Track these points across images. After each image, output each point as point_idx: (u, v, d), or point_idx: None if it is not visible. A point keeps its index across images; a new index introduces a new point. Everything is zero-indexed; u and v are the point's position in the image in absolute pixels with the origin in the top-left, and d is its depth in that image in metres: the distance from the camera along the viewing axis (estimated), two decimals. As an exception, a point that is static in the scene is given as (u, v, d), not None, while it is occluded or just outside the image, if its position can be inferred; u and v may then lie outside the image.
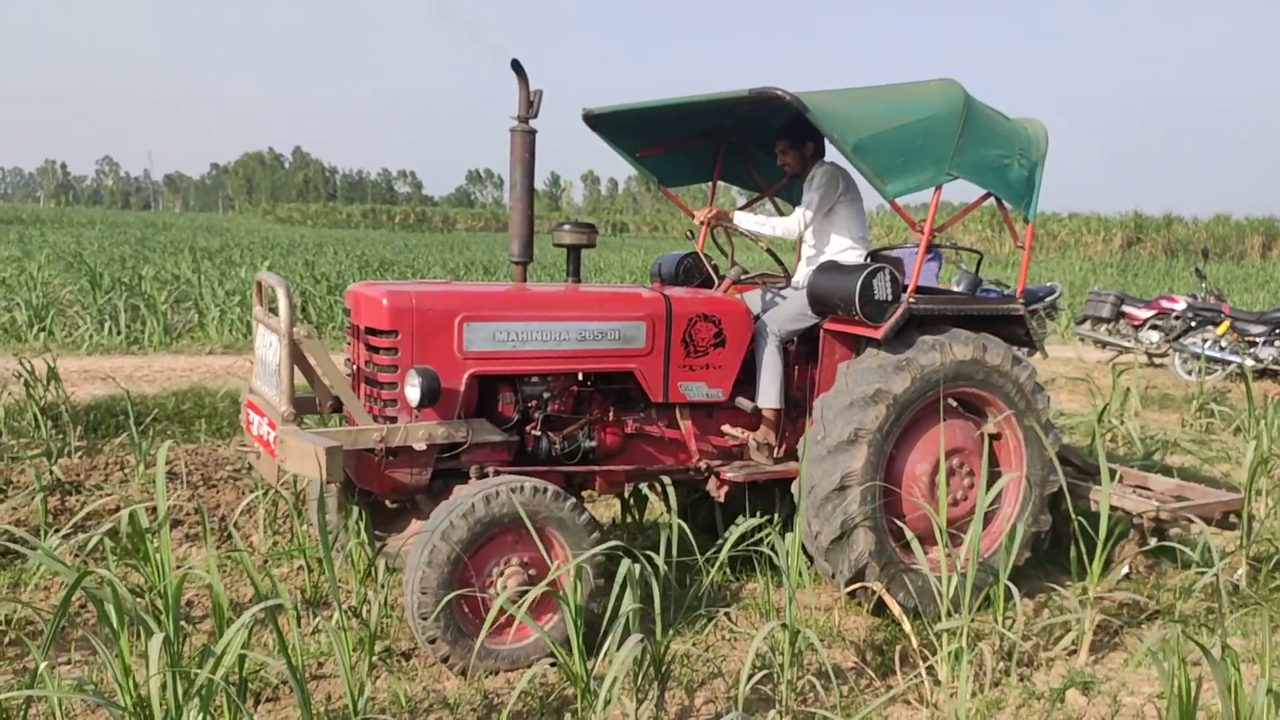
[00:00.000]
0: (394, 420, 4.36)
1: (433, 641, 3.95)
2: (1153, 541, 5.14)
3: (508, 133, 4.93)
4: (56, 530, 5.24)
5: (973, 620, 4.52)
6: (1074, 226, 48.93)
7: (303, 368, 4.45)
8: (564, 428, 4.79)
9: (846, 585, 4.70)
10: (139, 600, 4.08)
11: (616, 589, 3.84)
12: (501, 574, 4.11)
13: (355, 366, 4.62)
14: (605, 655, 3.74)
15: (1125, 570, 5.35)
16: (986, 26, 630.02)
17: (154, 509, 5.53)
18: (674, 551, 4.25)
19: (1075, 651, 4.59)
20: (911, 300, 4.81)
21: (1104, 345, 14.19)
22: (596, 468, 4.84)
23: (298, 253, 27.81)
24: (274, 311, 4.31)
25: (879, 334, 4.75)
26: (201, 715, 2.96)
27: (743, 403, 5.10)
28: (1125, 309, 14.06)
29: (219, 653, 3.03)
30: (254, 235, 41.55)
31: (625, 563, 3.85)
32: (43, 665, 3.01)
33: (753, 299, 5.37)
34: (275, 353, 4.28)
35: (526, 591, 3.95)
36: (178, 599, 3.16)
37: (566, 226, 5.20)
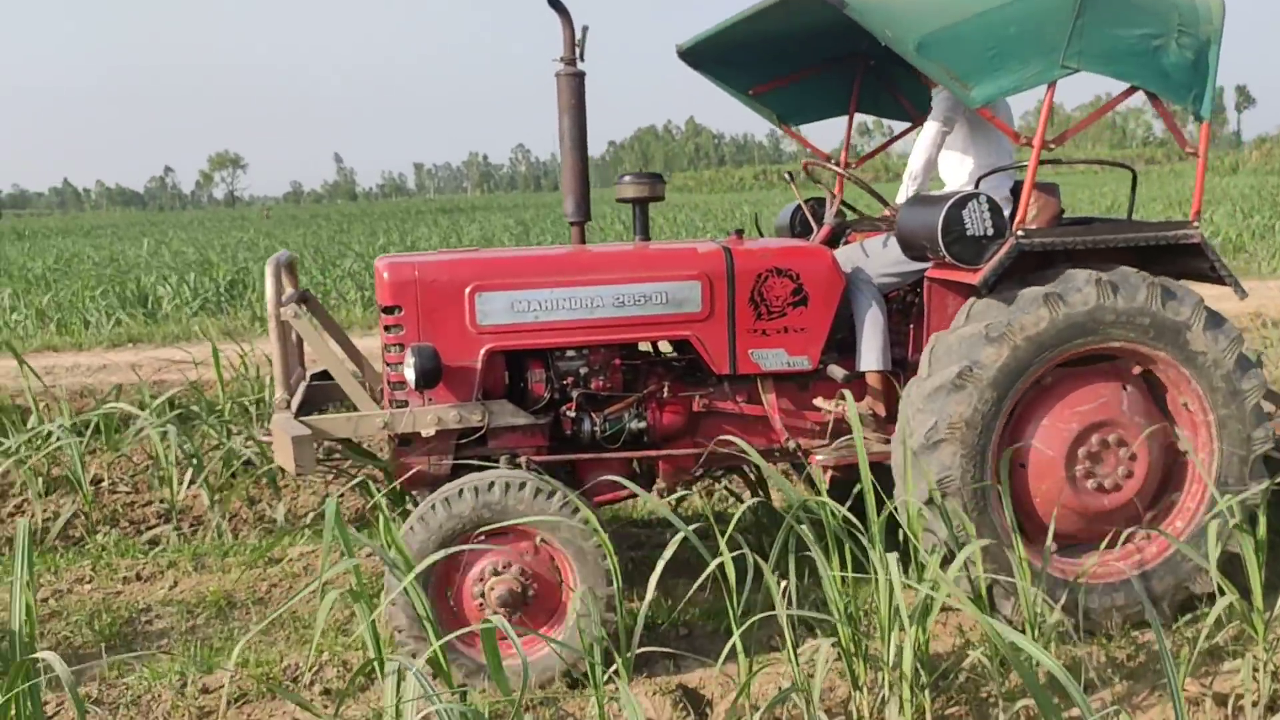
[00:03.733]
0: (405, 404, 4.01)
1: (408, 648, 3.66)
2: None
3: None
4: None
5: None
6: None
7: (346, 349, 4.26)
8: (607, 407, 4.27)
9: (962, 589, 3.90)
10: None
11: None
12: (486, 580, 3.70)
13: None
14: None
15: None
16: None
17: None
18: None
19: None
20: (1020, 234, 3.91)
21: None
22: (654, 452, 4.28)
23: (713, 218, 28.84)
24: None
25: (976, 279, 3.90)
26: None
27: (834, 370, 4.29)
28: None
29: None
30: (662, 207, 43.55)
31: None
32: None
33: (866, 247, 4.63)
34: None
35: (509, 601, 3.66)
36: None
37: (627, 179, 4.55)
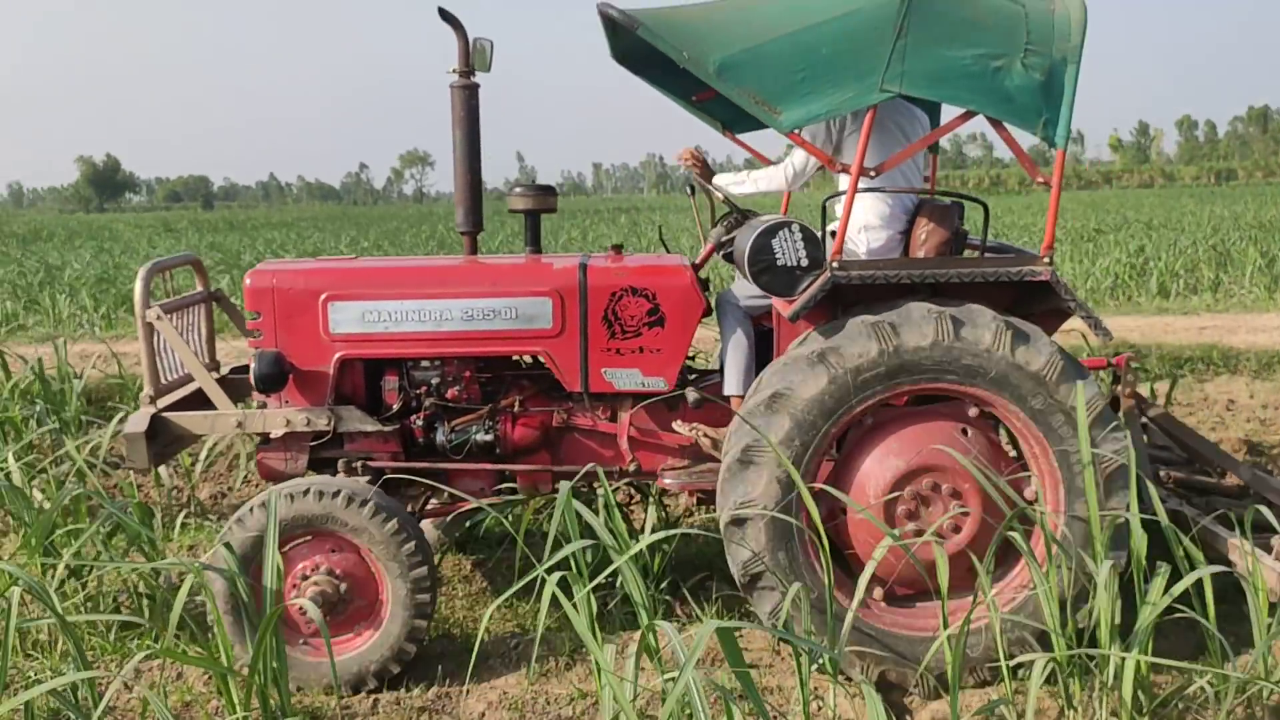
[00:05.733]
0: (265, 405, 4.23)
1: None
2: None
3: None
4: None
5: None
6: None
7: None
8: (457, 418, 4.31)
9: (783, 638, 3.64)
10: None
11: None
12: (305, 580, 3.79)
13: None
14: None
15: None
16: None
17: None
18: None
19: None
20: (835, 265, 3.63)
21: None
22: (510, 466, 4.30)
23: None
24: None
25: (787, 312, 3.70)
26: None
27: (689, 393, 4.23)
28: None
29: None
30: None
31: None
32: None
33: None
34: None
35: (322, 600, 3.67)
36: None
37: (518, 190, 4.52)
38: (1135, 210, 31.54)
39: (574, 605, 3.18)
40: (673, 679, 2.67)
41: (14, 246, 30.60)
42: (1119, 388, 4.30)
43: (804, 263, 3.73)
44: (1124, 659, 3.10)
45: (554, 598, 3.12)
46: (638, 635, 3.29)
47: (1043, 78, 3.56)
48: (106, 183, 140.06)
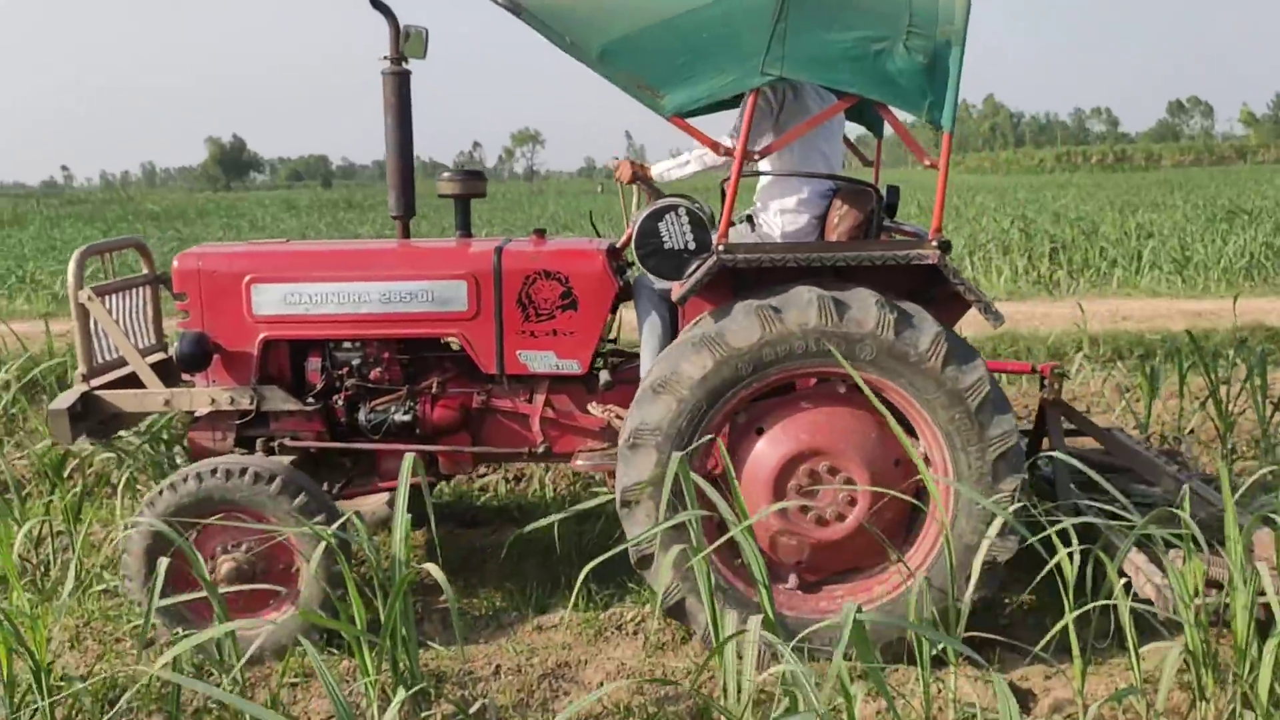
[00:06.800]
0: (193, 385, 4.32)
1: (154, 623, 3.64)
2: None
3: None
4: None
5: None
6: None
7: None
8: (377, 398, 4.35)
9: (670, 615, 3.83)
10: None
11: None
12: (218, 558, 3.88)
13: None
14: None
15: None
16: None
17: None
18: None
19: None
20: (722, 249, 3.58)
21: None
22: (429, 446, 4.32)
23: (1008, 204, 27.40)
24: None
25: (674, 296, 3.73)
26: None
27: (602, 376, 4.28)
28: None
29: None
30: (969, 188, 41.98)
31: None
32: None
33: None
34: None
35: (237, 575, 3.78)
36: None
37: (446, 175, 4.55)
38: (1271, 187, 30.04)
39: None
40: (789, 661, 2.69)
41: (149, 224, 32.02)
42: (1044, 394, 4.42)
43: (690, 246, 3.80)
44: (1262, 650, 3.00)
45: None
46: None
47: (926, 60, 3.54)
48: (233, 163, 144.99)
